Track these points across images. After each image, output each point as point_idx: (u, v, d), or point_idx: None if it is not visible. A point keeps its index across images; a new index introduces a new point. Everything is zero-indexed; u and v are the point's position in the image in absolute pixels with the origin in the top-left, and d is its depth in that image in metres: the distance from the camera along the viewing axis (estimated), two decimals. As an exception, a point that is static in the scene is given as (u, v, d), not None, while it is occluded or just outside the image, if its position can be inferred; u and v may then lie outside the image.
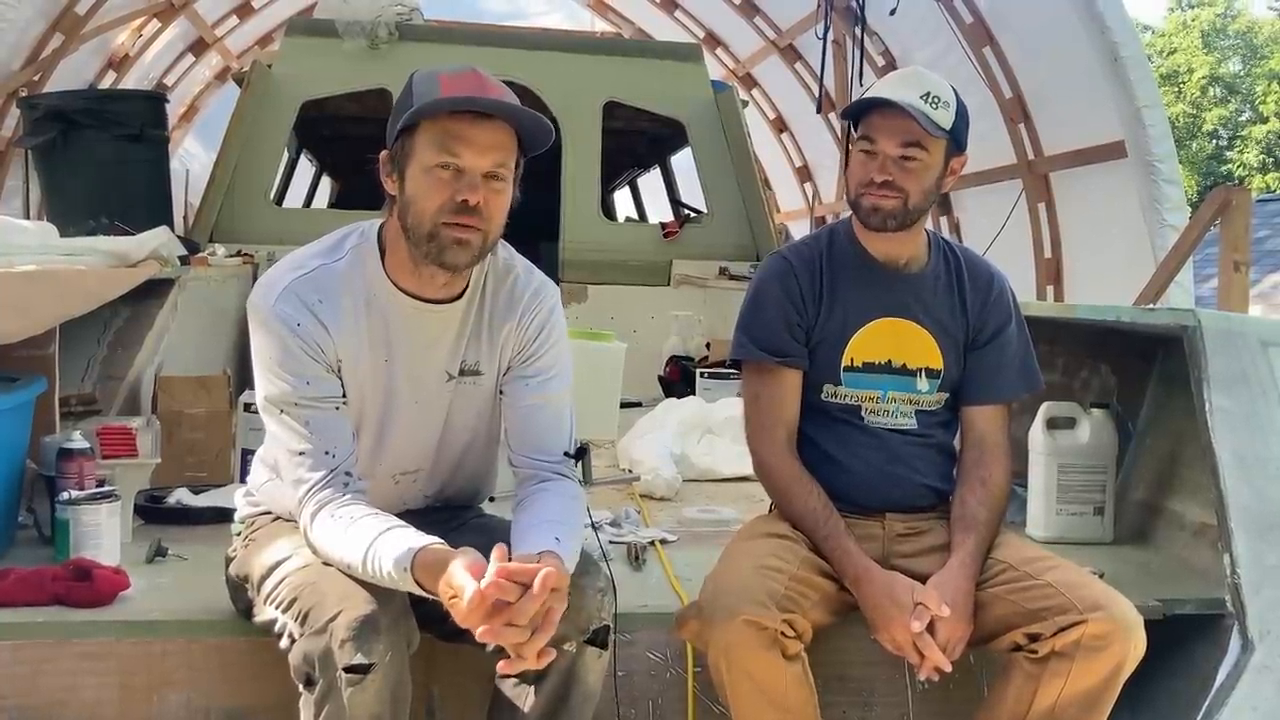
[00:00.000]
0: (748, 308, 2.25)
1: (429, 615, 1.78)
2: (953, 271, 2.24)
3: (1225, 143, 27.03)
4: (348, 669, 1.64)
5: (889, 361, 2.19)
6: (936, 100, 2.08)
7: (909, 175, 2.10)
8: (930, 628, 1.95)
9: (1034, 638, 1.93)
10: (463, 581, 1.58)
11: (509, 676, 1.84)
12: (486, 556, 1.62)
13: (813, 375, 2.20)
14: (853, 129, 2.19)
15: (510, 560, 1.63)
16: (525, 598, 1.58)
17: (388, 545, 1.69)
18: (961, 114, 2.13)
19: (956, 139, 2.13)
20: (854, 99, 2.22)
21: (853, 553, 2.04)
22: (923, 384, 2.20)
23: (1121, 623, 1.88)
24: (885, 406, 2.19)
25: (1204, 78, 26.64)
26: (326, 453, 1.82)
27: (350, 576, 1.74)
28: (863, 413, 2.19)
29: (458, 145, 1.76)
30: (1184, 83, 26.60)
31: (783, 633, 1.87)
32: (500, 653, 1.82)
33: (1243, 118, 27.05)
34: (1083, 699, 1.90)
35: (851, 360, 2.18)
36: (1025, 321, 2.29)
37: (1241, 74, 27.87)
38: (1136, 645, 1.89)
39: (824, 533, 2.07)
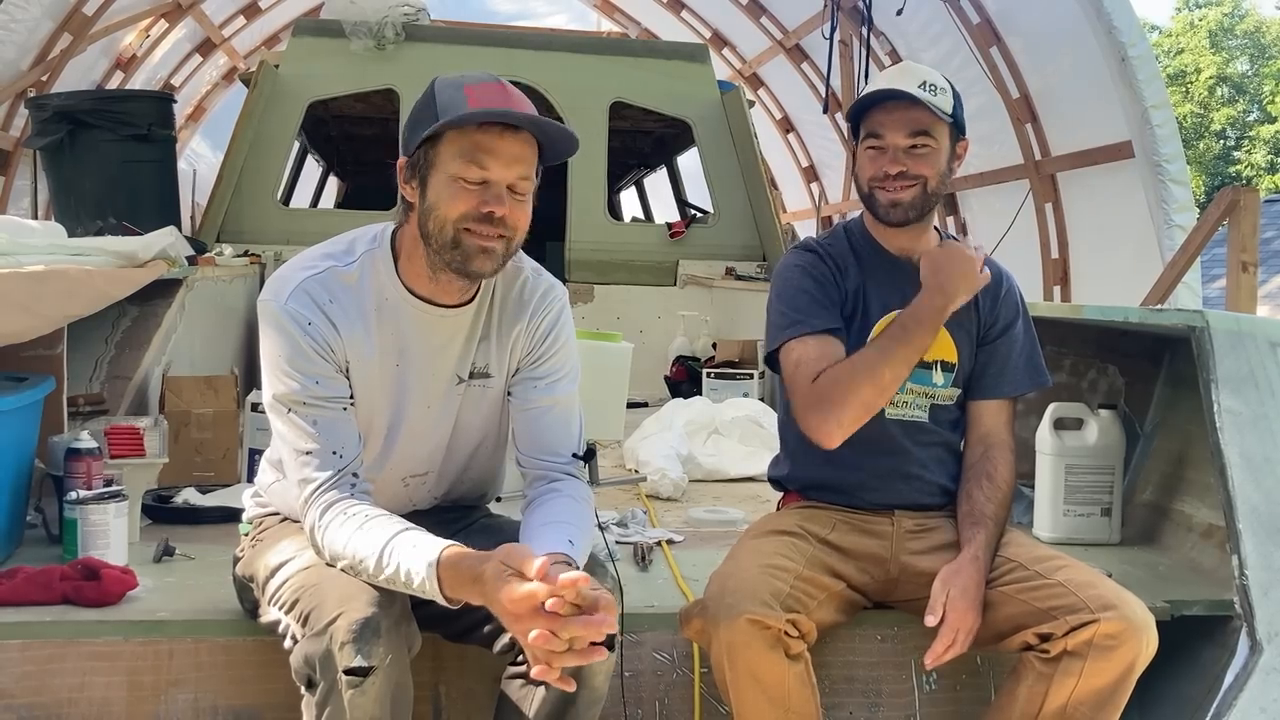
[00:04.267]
0: (781, 293, 2.20)
1: (435, 615, 1.78)
2: None
3: (1233, 143, 26.97)
4: (348, 671, 1.64)
5: None
6: (934, 88, 2.11)
7: (922, 162, 2.11)
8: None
9: (1045, 637, 1.93)
10: (536, 560, 1.57)
11: (516, 678, 1.84)
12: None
13: None
14: (853, 133, 2.19)
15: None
16: (580, 622, 1.55)
17: (408, 542, 1.68)
18: (958, 98, 2.16)
19: (958, 123, 2.15)
20: (854, 101, 2.21)
21: (902, 314, 2.09)
22: (938, 377, 2.20)
23: (1134, 622, 1.88)
24: (904, 398, 2.19)
25: (1211, 77, 26.59)
26: (334, 453, 1.82)
27: (353, 578, 1.74)
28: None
29: (485, 157, 1.76)
30: (1191, 83, 26.55)
31: (786, 632, 1.87)
32: (506, 654, 1.83)
33: (1250, 118, 26.99)
34: (1095, 698, 1.89)
35: None
36: (1032, 320, 2.30)
37: (1249, 74, 27.79)
38: (1149, 644, 1.89)
39: (881, 344, 2.09)
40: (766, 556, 2.01)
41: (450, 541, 1.68)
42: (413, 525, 1.74)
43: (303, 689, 1.72)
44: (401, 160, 1.84)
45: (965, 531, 2.09)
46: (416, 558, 1.65)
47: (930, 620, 1.95)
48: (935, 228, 2.26)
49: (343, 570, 1.76)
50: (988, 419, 2.22)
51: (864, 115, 2.15)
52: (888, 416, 2.18)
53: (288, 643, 1.77)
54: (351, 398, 1.87)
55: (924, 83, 2.10)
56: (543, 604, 1.54)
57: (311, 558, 1.83)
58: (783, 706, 1.89)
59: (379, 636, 1.66)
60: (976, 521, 2.09)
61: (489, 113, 1.74)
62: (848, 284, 2.19)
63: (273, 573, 1.87)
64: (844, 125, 8.52)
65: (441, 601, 1.66)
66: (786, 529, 2.12)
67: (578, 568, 1.70)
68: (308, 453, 1.82)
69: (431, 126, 1.76)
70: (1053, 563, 2.03)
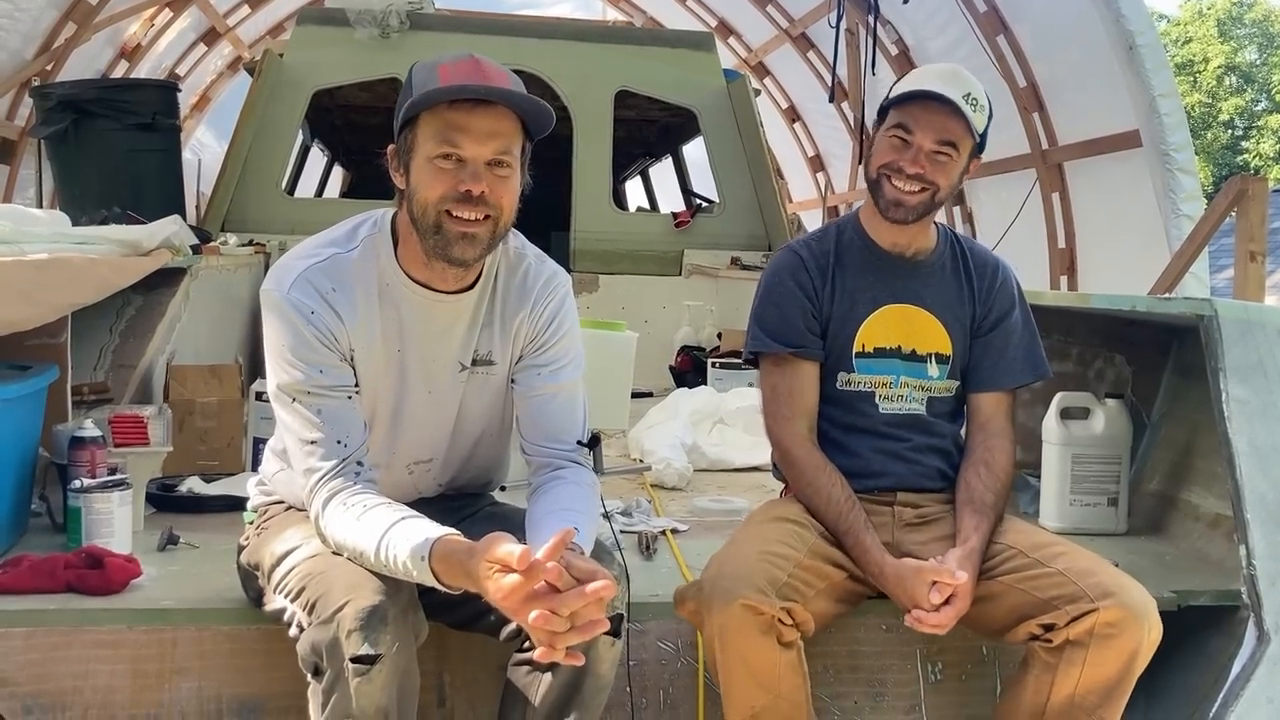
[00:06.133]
0: (761, 301, 2.25)
1: (440, 604, 1.78)
2: (958, 259, 2.26)
3: (1241, 132, 26.87)
4: (354, 659, 1.64)
5: (899, 347, 2.20)
6: (975, 103, 2.09)
7: (940, 170, 2.10)
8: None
9: (1049, 627, 1.92)
10: (513, 548, 1.56)
11: (522, 665, 1.84)
12: None
13: (826, 364, 2.20)
14: (879, 114, 2.18)
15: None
16: (575, 593, 1.56)
17: (402, 534, 1.68)
18: (990, 119, 2.15)
19: (982, 141, 2.15)
20: (886, 90, 2.20)
21: (870, 549, 2.04)
22: (933, 370, 2.21)
23: (1134, 609, 1.87)
24: (898, 392, 2.20)
25: (1220, 67, 26.48)
26: (338, 442, 1.81)
27: (360, 566, 1.74)
28: (876, 399, 2.20)
29: (458, 135, 1.74)
30: (1200, 72, 26.45)
31: (780, 620, 1.87)
32: (512, 641, 1.83)
33: (1259, 107, 26.89)
34: (1102, 687, 1.89)
35: (863, 346, 2.19)
36: (1032, 311, 2.29)
37: (1258, 63, 27.68)
38: (1151, 630, 1.88)
39: (844, 526, 2.07)
40: (767, 543, 2.00)
41: (443, 532, 1.67)
42: (411, 514, 1.74)
43: (309, 677, 1.71)
44: (390, 148, 1.84)
45: (966, 520, 2.08)
46: (411, 552, 1.65)
47: (936, 598, 1.93)
48: (936, 222, 2.26)
49: (348, 559, 1.76)
50: (986, 409, 2.23)
51: (899, 104, 2.12)
52: (883, 411, 2.19)
53: (294, 631, 1.77)
54: (356, 386, 1.86)
55: (968, 95, 2.08)
56: (535, 588, 1.54)
57: (317, 546, 1.83)
58: (772, 692, 1.89)
59: (386, 625, 1.66)
60: (978, 511, 2.08)
61: (450, 89, 1.72)
62: (833, 285, 2.20)
63: (278, 561, 1.86)
64: (851, 115, 8.52)
65: (444, 589, 1.66)
66: (790, 517, 2.12)
67: (584, 554, 1.70)
68: (312, 442, 1.81)
69: (404, 110, 1.76)
70: (1051, 549, 2.02)
